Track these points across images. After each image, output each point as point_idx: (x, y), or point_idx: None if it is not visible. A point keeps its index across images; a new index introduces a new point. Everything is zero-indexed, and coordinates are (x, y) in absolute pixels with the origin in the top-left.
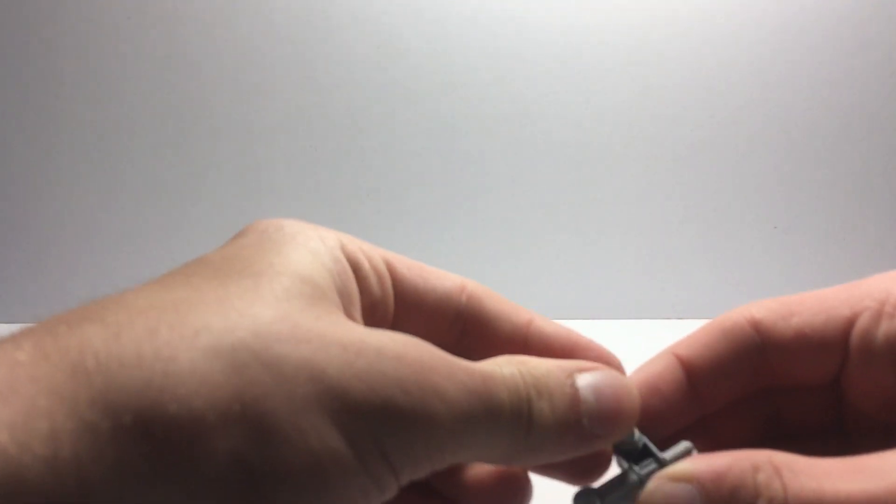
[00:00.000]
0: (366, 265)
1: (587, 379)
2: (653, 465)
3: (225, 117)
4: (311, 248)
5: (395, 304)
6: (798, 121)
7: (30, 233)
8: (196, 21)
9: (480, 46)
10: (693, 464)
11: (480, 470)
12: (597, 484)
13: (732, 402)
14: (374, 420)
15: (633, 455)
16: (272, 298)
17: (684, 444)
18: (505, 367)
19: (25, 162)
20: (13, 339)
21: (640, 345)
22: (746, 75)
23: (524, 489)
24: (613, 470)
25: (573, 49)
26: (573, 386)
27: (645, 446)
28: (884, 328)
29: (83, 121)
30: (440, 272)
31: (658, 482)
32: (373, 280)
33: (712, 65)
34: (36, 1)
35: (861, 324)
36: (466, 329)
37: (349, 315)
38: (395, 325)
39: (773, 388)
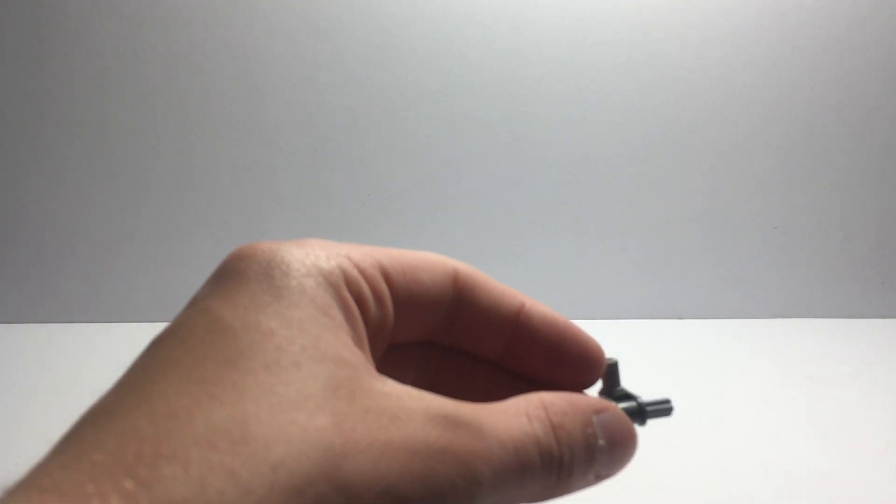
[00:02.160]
0: (367, 293)
1: (600, 423)
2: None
3: (225, 117)
4: (323, 306)
5: (393, 315)
6: (798, 121)
7: (30, 233)
8: (196, 21)
9: (481, 47)
10: None
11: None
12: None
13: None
14: None
15: (615, 399)
16: (322, 400)
17: (664, 398)
18: (536, 424)
19: (25, 162)
20: (95, 484)
21: (640, 345)
22: (747, 75)
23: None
24: None
25: (573, 50)
26: (594, 436)
27: (626, 394)
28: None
29: (83, 121)
30: (431, 264)
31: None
32: (374, 307)
33: (712, 65)
34: (36, 1)
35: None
36: (457, 317)
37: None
38: (394, 330)
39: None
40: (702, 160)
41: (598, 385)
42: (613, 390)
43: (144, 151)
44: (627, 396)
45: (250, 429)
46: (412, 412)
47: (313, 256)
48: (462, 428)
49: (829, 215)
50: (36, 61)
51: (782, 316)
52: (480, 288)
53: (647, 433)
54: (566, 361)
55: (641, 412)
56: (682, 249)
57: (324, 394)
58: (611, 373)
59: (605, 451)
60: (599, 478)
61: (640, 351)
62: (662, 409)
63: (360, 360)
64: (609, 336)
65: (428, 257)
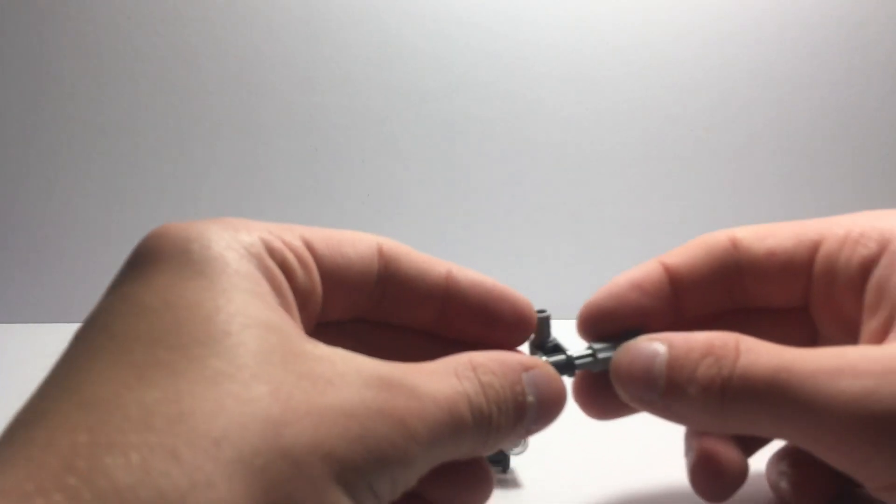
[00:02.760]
0: (292, 261)
1: (529, 380)
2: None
3: (225, 117)
4: (247, 274)
5: (322, 287)
6: (798, 121)
7: (29, 233)
8: (196, 21)
9: (481, 46)
10: (671, 332)
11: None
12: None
13: (709, 317)
14: (373, 476)
15: (546, 351)
16: (255, 368)
17: (591, 350)
18: (467, 384)
19: (25, 162)
20: (37, 485)
21: None
22: (746, 75)
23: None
24: None
25: (573, 49)
26: (522, 393)
27: (556, 346)
28: (846, 253)
29: (83, 121)
30: (355, 239)
31: (636, 340)
32: (300, 274)
33: (712, 65)
34: (36, 1)
35: (825, 248)
36: (386, 291)
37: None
38: (324, 305)
39: (748, 308)
40: (702, 160)
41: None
42: (544, 343)
43: (143, 151)
44: (557, 349)
45: (186, 406)
46: (346, 375)
47: (232, 229)
48: (396, 388)
49: (829, 215)
50: (36, 60)
51: None
52: (405, 259)
53: (648, 432)
54: (498, 321)
55: (570, 364)
56: None
57: (256, 361)
58: (542, 326)
59: (534, 407)
60: (530, 432)
61: None
62: (591, 361)
63: (288, 324)
64: None
65: (352, 233)
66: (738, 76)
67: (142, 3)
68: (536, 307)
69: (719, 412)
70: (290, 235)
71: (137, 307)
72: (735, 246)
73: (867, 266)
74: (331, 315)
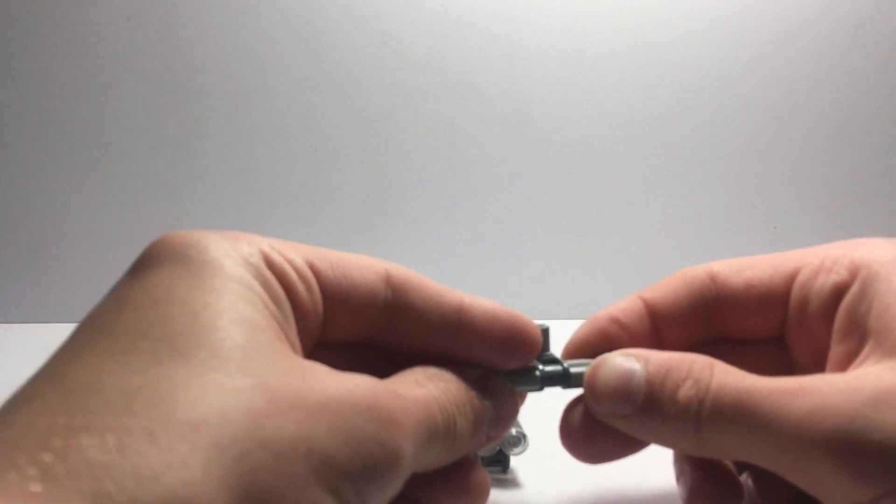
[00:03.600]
0: (292, 275)
1: (481, 386)
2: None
3: (224, 118)
4: (241, 279)
5: (323, 307)
6: (798, 121)
7: (29, 233)
8: (195, 21)
9: (480, 46)
10: (646, 349)
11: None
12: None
13: (688, 349)
14: (360, 477)
15: (543, 363)
16: (241, 361)
17: (587, 360)
18: (432, 388)
19: (25, 162)
20: (10, 461)
21: None
22: (746, 75)
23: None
24: None
25: (573, 49)
26: (478, 397)
27: (553, 358)
28: (820, 281)
29: (82, 121)
30: (363, 263)
31: (612, 354)
32: (301, 289)
33: (712, 65)
34: (35, 1)
35: (801, 277)
36: (393, 318)
37: (290, 340)
38: (325, 326)
39: (725, 339)
40: (702, 160)
41: None
42: (542, 355)
43: (144, 151)
44: (554, 361)
45: (166, 392)
46: (332, 375)
47: (231, 240)
48: (381, 387)
49: (829, 215)
50: (35, 60)
51: None
52: (415, 289)
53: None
54: (513, 349)
55: (566, 375)
56: (682, 249)
57: (242, 355)
58: (542, 338)
59: (490, 409)
60: (490, 438)
61: None
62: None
63: (276, 329)
64: None
65: (359, 256)
66: (738, 76)
67: (141, 3)
68: (534, 307)
69: (694, 432)
70: (293, 253)
71: (125, 304)
72: (713, 279)
73: (838, 293)
74: (332, 337)
